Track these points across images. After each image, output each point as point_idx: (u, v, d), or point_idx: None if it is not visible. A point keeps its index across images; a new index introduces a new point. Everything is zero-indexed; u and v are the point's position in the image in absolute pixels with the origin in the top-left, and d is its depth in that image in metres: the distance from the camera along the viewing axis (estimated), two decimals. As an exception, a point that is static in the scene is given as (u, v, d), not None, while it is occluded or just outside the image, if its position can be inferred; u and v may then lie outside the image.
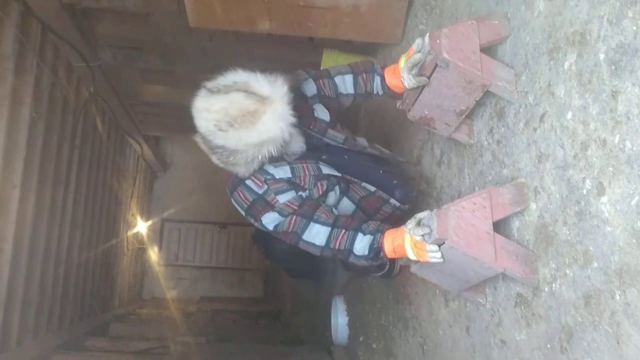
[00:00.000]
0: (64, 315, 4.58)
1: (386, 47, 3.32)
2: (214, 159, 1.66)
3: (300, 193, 1.75)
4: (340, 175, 1.87)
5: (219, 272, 9.25)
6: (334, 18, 2.92)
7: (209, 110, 1.53)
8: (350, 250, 1.66)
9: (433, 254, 1.45)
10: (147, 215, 8.34)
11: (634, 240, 1.10)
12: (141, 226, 7.74)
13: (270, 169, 1.73)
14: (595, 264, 1.22)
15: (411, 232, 1.51)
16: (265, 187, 1.71)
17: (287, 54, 3.90)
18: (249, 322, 7.02)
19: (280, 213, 1.70)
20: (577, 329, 1.27)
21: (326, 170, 1.84)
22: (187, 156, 8.68)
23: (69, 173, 4.48)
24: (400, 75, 1.72)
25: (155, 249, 8.84)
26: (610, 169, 1.18)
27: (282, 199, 1.71)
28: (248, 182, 1.71)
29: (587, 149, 1.27)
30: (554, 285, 1.38)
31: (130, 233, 7.18)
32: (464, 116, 1.75)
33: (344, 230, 1.66)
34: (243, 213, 1.76)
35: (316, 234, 1.69)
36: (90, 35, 3.90)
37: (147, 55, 4.22)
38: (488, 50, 1.72)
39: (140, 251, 8.22)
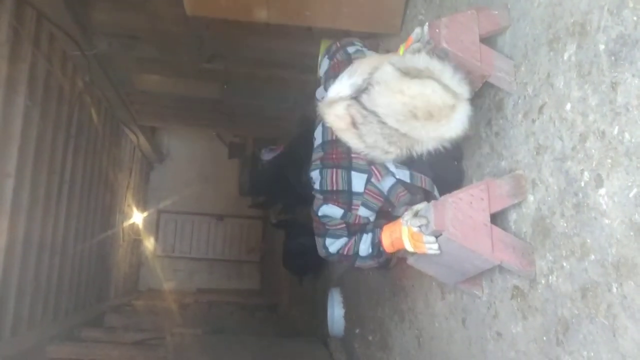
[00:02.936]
0: (59, 305, 4.56)
1: (385, 37, 3.30)
2: (353, 136, 1.49)
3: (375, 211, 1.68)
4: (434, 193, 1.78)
5: (215, 264, 9.25)
6: (332, 8, 2.90)
7: (404, 94, 1.37)
8: (357, 254, 1.67)
9: (430, 246, 1.45)
10: (143, 206, 8.31)
11: (631, 233, 1.10)
12: (137, 217, 7.71)
13: (391, 167, 1.64)
14: (593, 257, 1.21)
15: (408, 223, 1.50)
16: (379, 180, 1.63)
17: (285, 43, 3.87)
18: (246, 314, 7.02)
19: (343, 215, 1.64)
20: (574, 321, 1.27)
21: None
22: (184, 147, 8.65)
23: (64, 163, 4.45)
24: None
25: (152, 240, 8.82)
26: (609, 160, 1.17)
27: (362, 212, 1.63)
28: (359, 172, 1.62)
29: (585, 141, 1.26)
30: (550, 277, 1.37)
31: (126, 224, 7.15)
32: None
33: (354, 238, 1.68)
34: (321, 196, 1.67)
35: (338, 243, 1.70)
36: (85, 23, 3.85)
37: (143, 44, 4.18)
38: (487, 40, 1.70)
39: (136, 242, 8.20)
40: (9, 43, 3.31)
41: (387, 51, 2.85)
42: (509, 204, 1.54)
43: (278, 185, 4.82)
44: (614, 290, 1.14)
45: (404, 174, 1.64)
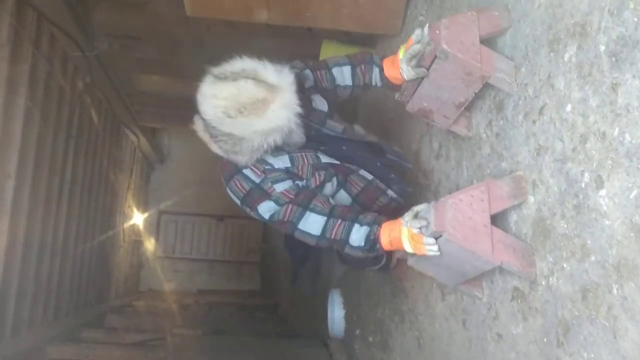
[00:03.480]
0: (60, 306, 4.56)
1: (385, 38, 3.30)
2: (215, 147, 1.65)
3: (297, 182, 1.74)
4: (339, 163, 1.86)
5: (216, 265, 9.25)
6: (333, 8, 2.90)
7: (217, 97, 1.51)
8: (346, 241, 1.65)
9: (430, 247, 1.45)
10: (143, 207, 8.32)
11: (632, 234, 1.09)
12: (138, 218, 7.72)
13: (270, 159, 1.73)
14: (593, 258, 1.21)
15: (408, 224, 1.50)
16: (263, 176, 1.70)
17: (286, 44, 3.87)
18: (246, 314, 7.02)
19: (276, 202, 1.69)
20: (574, 323, 1.27)
21: (325, 159, 1.83)
22: (184, 148, 8.65)
23: (64, 163, 4.46)
24: (399, 66, 1.70)
25: (152, 241, 8.82)
26: (609, 162, 1.17)
27: (279, 187, 1.70)
28: (246, 171, 1.71)
29: (586, 142, 1.26)
30: (551, 279, 1.37)
31: (126, 225, 7.16)
32: (462, 108, 1.74)
33: (340, 220, 1.66)
34: (239, 202, 1.75)
35: (312, 224, 1.68)
36: (86, 24, 3.86)
37: (144, 45, 4.18)
38: (488, 41, 1.70)
39: (137, 243, 8.20)
40: (10, 44, 3.32)
41: (388, 51, 2.87)
42: (509, 205, 1.53)
43: None
44: (615, 291, 1.14)
45: (282, 161, 1.74)
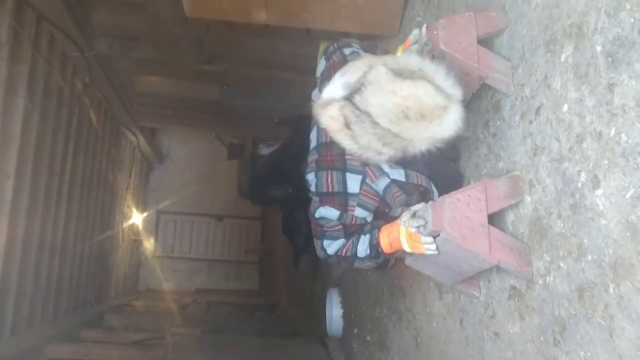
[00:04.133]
0: (59, 306, 4.56)
1: (383, 39, 3.31)
2: (346, 137, 1.49)
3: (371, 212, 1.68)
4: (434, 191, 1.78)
5: (214, 265, 9.24)
6: (331, 9, 2.91)
7: (396, 94, 1.38)
8: (355, 255, 1.68)
9: (428, 246, 1.46)
10: (142, 207, 8.31)
11: (628, 233, 1.10)
12: (137, 218, 7.71)
13: (385, 167, 1.66)
14: (590, 257, 1.22)
15: (406, 224, 1.51)
16: (373, 181, 1.64)
17: (284, 45, 3.87)
18: (245, 314, 7.03)
19: (340, 216, 1.66)
20: (571, 321, 1.28)
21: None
22: (183, 148, 8.64)
23: (63, 163, 4.45)
24: None
25: (151, 240, 8.82)
26: (606, 161, 1.18)
27: (358, 213, 1.65)
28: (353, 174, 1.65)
29: (582, 142, 1.27)
30: (547, 278, 1.38)
31: (125, 224, 7.15)
32: (460, 108, 1.74)
33: (351, 239, 1.69)
34: (317, 197, 1.69)
35: (336, 245, 1.71)
36: (85, 24, 3.86)
37: (143, 46, 4.18)
38: (485, 42, 1.71)
39: (136, 243, 8.19)
40: (9, 44, 3.31)
41: (386, 52, 2.87)
42: (506, 204, 1.54)
43: (277, 179, 4.79)
44: (611, 290, 1.15)
45: (398, 174, 1.66)
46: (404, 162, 1.60)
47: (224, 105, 5.39)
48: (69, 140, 4.54)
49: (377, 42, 3.35)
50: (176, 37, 3.92)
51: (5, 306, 3.53)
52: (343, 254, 1.69)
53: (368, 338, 3.18)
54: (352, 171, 1.63)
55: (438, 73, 1.40)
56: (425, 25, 1.61)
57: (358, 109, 1.43)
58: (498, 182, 1.57)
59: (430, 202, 1.51)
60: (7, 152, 3.46)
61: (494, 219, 1.57)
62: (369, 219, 1.68)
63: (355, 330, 3.46)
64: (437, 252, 1.46)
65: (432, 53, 1.58)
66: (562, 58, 1.38)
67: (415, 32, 1.63)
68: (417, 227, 1.47)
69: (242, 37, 3.79)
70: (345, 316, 3.67)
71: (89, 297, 5.45)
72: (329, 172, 1.64)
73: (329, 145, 1.65)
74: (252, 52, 4.04)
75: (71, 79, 4.41)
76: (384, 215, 1.77)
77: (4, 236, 3.45)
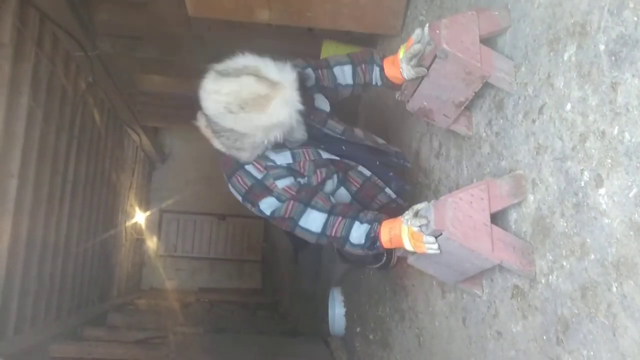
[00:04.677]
0: (62, 304, 4.58)
1: (386, 39, 3.31)
2: (217, 143, 1.68)
3: (298, 179, 1.75)
4: (338, 159, 1.88)
5: (217, 263, 9.26)
6: (333, 8, 2.91)
7: (219, 93, 1.53)
8: (346, 239, 1.66)
9: (430, 245, 1.45)
10: (145, 206, 8.33)
11: (631, 233, 1.10)
12: (139, 217, 7.73)
13: (272, 155, 1.75)
14: (592, 256, 1.22)
15: (408, 222, 1.51)
16: (265, 172, 1.72)
17: (286, 44, 3.88)
18: (247, 313, 7.04)
19: (278, 198, 1.71)
20: (574, 320, 1.27)
21: (325, 155, 1.84)
22: (186, 147, 8.65)
23: (67, 163, 4.47)
24: (400, 66, 1.71)
25: (154, 239, 8.84)
26: (609, 160, 1.18)
27: (281, 184, 1.72)
28: (248, 167, 1.72)
29: (585, 141, 1.27)
30: (550, 277, 1.38)
31: (128, 224, 7.17)
32: (462, 108, 1.74)
33: (340, 218, 1.67)
34: (240, 199, 1.76)
35: (313, 220, 1.69)
36: (89, 24, 3.87)
37: (146, 45, 4.20)
38: (488, 41, 1.71)
39: (139, 242, 8.22)
40: (13, 44, 3.33)
41: (389, 52, 2.87)
42: (509, 203, 1.54)
43: None
44: (614, 289, 1.14)
45: (284, 157, 1.76)
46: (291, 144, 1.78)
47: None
48: (72, 139, 4.55)
49: (379, 41, 3.35)
50: (179, 36, 3.94)
51: (9, 305, 3.54)
52: (333, 234, 1.68)
53: (370, 337, 3.18)
54: (246, 163, 1.73)
55: (264, 65, 1.55)
56: (427, 24, 1.62)
57: (205, 115, 1.62)
58: (501, 181, 1.56)
59: (432, 201, 1.51)
60: (10, 152, 3.47)
61: (497, 218, 1.57)
62: (311, 180, 1.77)
63: (358, 329, 3.46)
64: (439, 252, 1.45)
65: (435, 52, 1.58)
66: (565, 57, 1.38)
67: (418, 31, 1.64)
68: (420, 227, 1.47)
69: (244, 36, 3.79)
70: (348, 315, 3.67)
71: (92, 296, 5.47)
72: (235, 176, 1.74)
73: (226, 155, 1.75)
74: (254, 51, 4.04)
75: (74, 78, 4.43)
76: (388, 210, 1.79)
77: (8, 236, 3.46)
